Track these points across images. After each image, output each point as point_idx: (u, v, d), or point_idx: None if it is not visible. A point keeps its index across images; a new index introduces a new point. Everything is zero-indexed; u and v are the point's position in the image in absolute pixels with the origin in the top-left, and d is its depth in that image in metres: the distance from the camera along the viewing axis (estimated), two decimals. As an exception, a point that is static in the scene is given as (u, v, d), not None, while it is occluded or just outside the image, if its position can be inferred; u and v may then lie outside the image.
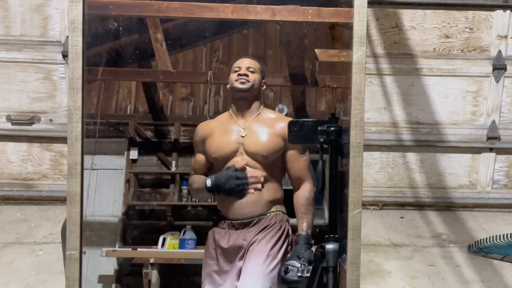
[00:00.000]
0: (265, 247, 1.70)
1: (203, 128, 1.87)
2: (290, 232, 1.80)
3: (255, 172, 1.74)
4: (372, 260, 3.12)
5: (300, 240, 1.70)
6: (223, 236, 1.76)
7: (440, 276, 2.93)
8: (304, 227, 1.75)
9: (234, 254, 1.73)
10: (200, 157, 1.87)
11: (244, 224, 1.76)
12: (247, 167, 1.75)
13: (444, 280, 2.89)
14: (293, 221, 1.83)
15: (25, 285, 2.77)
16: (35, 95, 3.60)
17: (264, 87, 1.87)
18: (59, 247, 2.71)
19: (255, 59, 1.87)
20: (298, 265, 1.55)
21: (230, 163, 1.75)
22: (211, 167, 1.86)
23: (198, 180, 1.83)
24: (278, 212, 1.80)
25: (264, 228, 1.75)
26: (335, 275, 1.29)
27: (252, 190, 1.73)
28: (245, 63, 1.82)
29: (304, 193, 1.78)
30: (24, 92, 3.60)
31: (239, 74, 1.79)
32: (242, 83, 1.77)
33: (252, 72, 1.80)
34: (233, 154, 1.76)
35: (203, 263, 1.81)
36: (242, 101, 1.80)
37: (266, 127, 1.78)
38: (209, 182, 1.73)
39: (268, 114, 1.84)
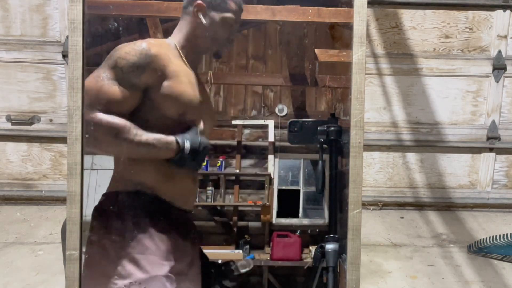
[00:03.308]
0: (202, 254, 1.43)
1: (158, 56, 1.29)
2: None
3: None
4: (372, 260, 3.12)
5: None
6: (170, 230, 1.33)
7: (440, 276, 2.93)
8: None
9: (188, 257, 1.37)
10: (129, 93, 1.26)
11: (186, 215, 1.39)
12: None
13: (444, 280, 2.89)
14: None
15: (25, 285, 2.77)
16: (35, 95, 3.60)
17: None
18: (59, 247, 2.71)
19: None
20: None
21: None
22: (129, 113, 1.29)
23: (147, 134, 1.27)
24: None
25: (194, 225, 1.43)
26: (335, 275, 1.29)
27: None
28: (238, 20, 1.43)
29: None
30: (24, 92, 3.60)
31: (228, 39, 1.42)
32: (226, 48, 1.44)
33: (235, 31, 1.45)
34: (202, 113, 1.37)
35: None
36: (200, 56, 1.44)
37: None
38: (187, 145, 1.29)
39: None
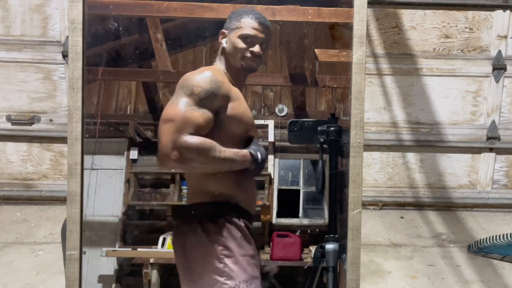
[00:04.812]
0: None
1: (224, 82, 1.47)
2: None
3: None
4: (372, 260, 3.12)
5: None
6: (246, 240, 1.47)
7: (440, 276, 2.93)
8: None
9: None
10: (209, 116, 1.40)
11: (252, 219, 1.55)
12: None
13: (444, 280, 2.89)
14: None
15: (25, 285, 2.77)
16: (35, 95, 3.60)
17: None
18: (59, 247, 2.72)
19: (269, 24, 1.56)
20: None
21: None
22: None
23: (228, 150, 1.42)
24: None
25: None
26: (335, 275, 1.29)
27: None
28: (261, 36, 1.52)
29: None
30: (24, 92, 3.60)
31: (252, 53, 1.51)
32: (255, 63, 1.53)
33: (265, 48, 1.55)
34: (254, 126, 1.56)
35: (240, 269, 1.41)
36: (243, 74, 1.59)
37: None
38: (259, 156, 1.47)
39: None
